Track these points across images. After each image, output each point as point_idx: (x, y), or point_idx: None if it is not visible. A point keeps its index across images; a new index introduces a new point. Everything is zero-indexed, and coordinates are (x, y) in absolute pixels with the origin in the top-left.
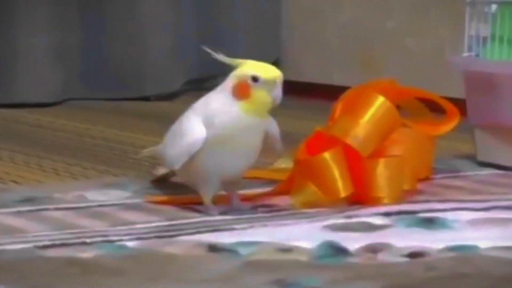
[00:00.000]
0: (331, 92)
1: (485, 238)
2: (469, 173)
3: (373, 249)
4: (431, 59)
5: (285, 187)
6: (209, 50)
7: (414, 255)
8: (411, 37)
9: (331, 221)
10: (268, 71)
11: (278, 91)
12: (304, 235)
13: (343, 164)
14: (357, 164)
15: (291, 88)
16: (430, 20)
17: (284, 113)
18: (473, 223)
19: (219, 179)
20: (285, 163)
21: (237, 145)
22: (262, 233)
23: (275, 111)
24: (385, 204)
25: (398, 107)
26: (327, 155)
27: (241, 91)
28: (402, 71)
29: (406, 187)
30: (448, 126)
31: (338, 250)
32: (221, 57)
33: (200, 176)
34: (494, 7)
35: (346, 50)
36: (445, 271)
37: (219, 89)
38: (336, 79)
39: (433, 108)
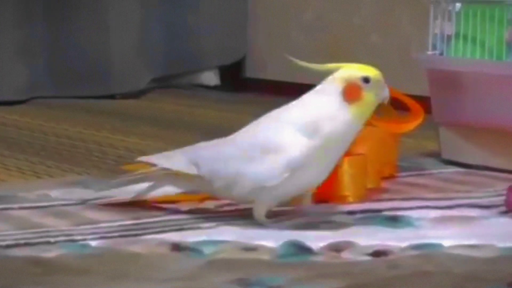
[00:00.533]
0: (298, 90)
1: (448, 236)
2: (434, 171)
3: (337, 247)
4: (397, 57)
5: None
6: (294, 59)
7: (378, 253)
8: (377, 34)
9: (295, 220)
10: (372, 71)
11: (387, 91)
12: (268, 234)
13: None
14: None
15: (257, 85)
16: (396, 17)
17: (251, 111)
18: (437, 221)
19: (297, 193)
20: None
21: (338, 153)
22: (227, 232)
23: (240, 109)
24: (350, 203)
25: None
26: None
27: (352, 94)
28: None
29: (370, 185)
30: (412, 124)
31: (302, 249)
32: (309, 64)
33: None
34: (458, 5)
35: (312, 47)
36: (408, 269)
37: (311, 95)
38: (302, 77)
39: (398, 106)
